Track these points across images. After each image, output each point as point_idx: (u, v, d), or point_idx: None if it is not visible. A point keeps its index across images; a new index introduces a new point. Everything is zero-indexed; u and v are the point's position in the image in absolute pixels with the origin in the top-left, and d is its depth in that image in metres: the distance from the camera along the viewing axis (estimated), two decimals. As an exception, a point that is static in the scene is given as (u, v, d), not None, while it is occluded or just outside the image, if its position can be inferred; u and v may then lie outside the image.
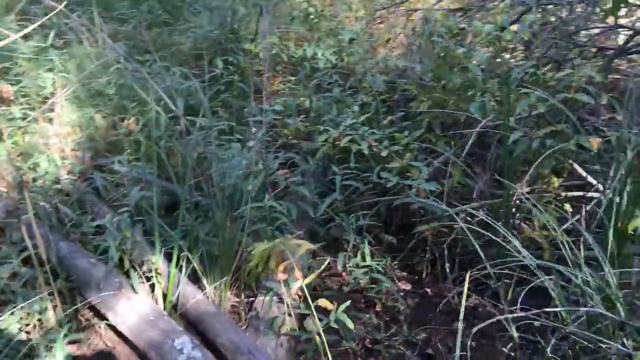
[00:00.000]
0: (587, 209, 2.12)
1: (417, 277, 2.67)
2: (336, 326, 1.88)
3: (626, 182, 1.89)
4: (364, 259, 2.46)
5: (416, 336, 2.32)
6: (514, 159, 2.17)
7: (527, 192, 2.23)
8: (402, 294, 2.48)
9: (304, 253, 2.01)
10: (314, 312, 1.80)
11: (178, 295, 2.18)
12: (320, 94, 3.61)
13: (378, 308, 2.41)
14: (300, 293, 1.88)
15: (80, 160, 2.99)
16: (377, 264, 2.43)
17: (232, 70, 3.89)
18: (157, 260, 2.22)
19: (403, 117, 3.08)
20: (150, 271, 2.24)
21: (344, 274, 2.49)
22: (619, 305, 1.64)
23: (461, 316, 1.46)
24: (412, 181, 2.48)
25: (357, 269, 2.43)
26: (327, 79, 3.78)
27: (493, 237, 2.31)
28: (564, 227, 2.19)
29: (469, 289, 2.48)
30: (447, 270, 2.48)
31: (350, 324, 1.87)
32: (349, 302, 2.00)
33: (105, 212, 2.55)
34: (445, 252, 2.45)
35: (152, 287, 2.23)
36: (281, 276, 1.98)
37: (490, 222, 2.36)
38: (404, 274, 2.67)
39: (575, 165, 2.16)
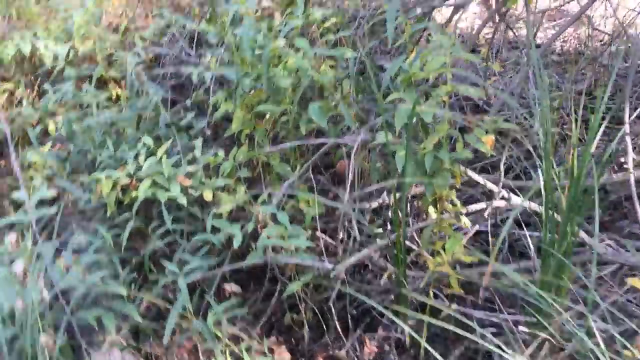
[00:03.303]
0: (491, 222, 1.74)
1: (293, 340, 2.08)
2: None
3: (550, 188, 1.53)
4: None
5: None
6: (402, 181, 1.66)
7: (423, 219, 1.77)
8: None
9: None
10: None
11: None
12: (69, 110, 2.59)
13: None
14: None
15: None
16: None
17: None
18: None
19: (214, 133, 2.33)
20: None
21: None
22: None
23: None
24: (270, 236, 1.82)
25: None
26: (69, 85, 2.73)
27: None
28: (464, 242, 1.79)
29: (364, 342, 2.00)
30: (338, 328, 1.94)
31: None
32: None
33: None
34: (332, 309, 1.90)
35: None
36: None
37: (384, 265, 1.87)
38: (278, 341, 2.06)
39: (470, 172, 1.75)
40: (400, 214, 1.65)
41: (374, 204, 2.05)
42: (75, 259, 1.83)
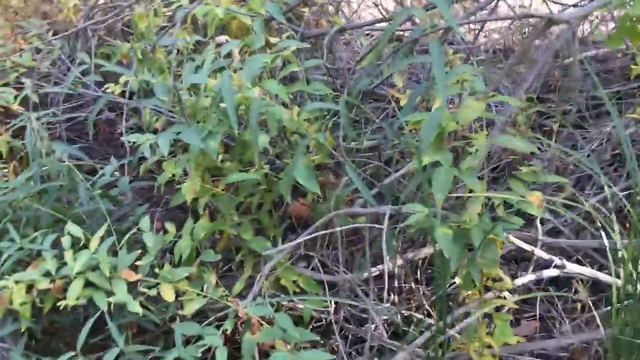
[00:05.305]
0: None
1: None
2: None
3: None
4: None
5: None
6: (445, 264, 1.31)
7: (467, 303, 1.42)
8: None
9: None
10: None
11: None
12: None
13: None
14: None
15: None
16: None
17: None
18: None
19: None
20: None
21: None
22: None
23: None
24: (266, 343, 1.38)
25: None
26: None
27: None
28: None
29: None
30: None
31: None
32: None
33: None
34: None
35: None
36: None
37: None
38: None
39: (514, 239, 1.44)
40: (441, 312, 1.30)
41: (374, 272, 1.68)
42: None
